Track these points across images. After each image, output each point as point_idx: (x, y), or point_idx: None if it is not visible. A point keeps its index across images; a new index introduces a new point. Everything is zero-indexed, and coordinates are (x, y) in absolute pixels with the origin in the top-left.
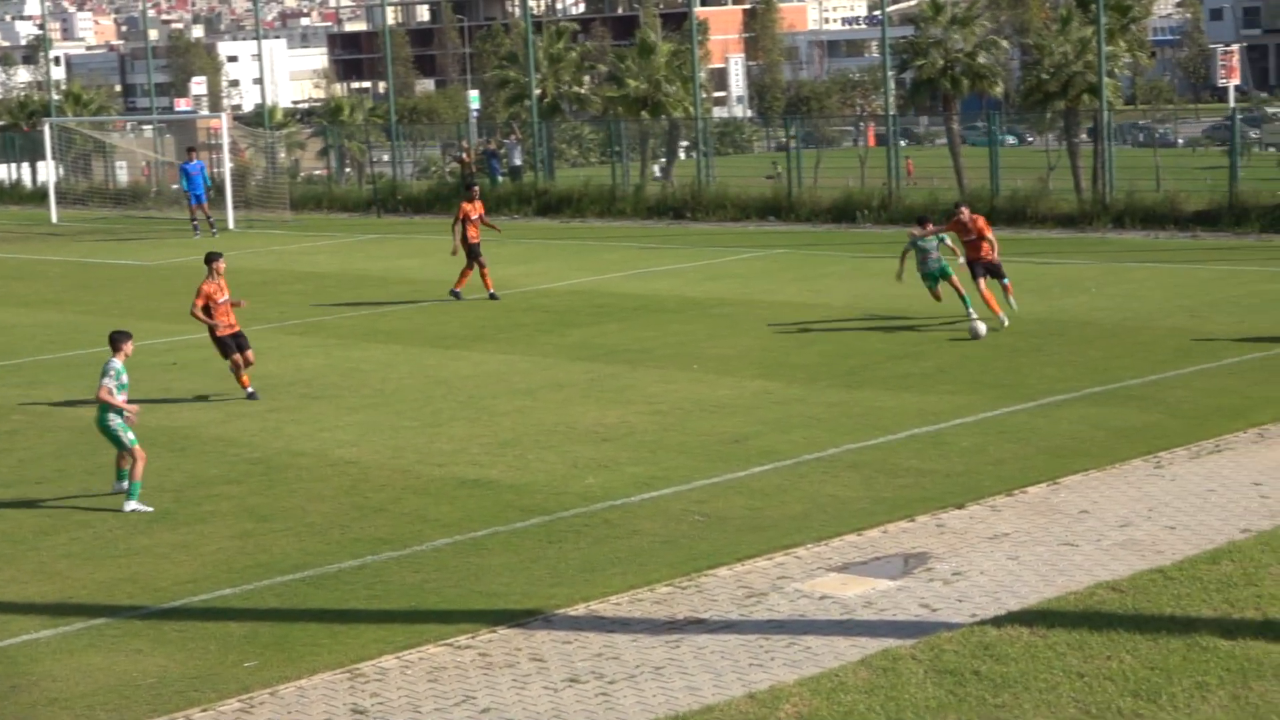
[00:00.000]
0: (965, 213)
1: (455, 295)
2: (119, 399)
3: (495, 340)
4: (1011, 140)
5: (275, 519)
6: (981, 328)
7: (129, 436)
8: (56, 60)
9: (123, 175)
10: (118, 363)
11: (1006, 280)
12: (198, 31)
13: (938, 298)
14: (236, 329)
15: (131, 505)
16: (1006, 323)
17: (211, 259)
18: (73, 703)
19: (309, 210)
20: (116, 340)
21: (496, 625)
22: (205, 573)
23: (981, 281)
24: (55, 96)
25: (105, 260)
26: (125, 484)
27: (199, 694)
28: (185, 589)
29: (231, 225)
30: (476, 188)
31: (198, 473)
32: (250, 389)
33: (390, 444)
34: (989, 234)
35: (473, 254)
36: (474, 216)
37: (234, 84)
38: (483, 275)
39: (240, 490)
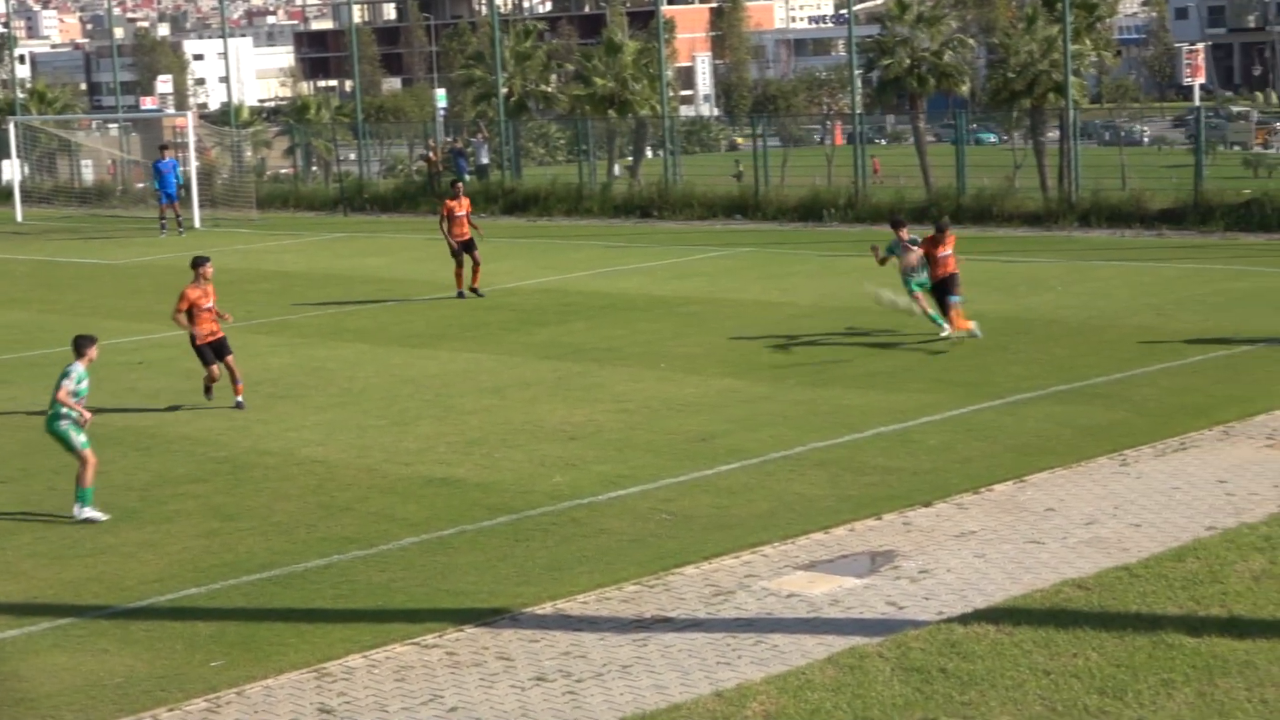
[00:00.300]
0: (947, 234)
1: (473, 293)
2: (75, 404)
3: (462, 339)
4: (992, 139)
5: (242, 518)
6: (974, 327)
7: (80, 439)
8: (21, 58)
9: (88, 174)
10: (80, 367)
11: (957, 300)
12: (164, 30)
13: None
14: (219, 336)
15: (87, 513)
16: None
17: (199, 263)
18: (39, 703)
19: (275, 209)
20: (81, 345)
21: (463, 624)
22: (171, 572)
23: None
24: (20, 95)
25: (71, 259)
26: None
27: (165, 694)
28: (151, 588)
29: (198, 224)
30: (460, 184)
31: (164, 472)
32: (239, 399)
33: (357, 443)
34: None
35: (461, 250)
36: (459, 213)
37: (200, 82)
38: (458, 273)
39: (206, 489)
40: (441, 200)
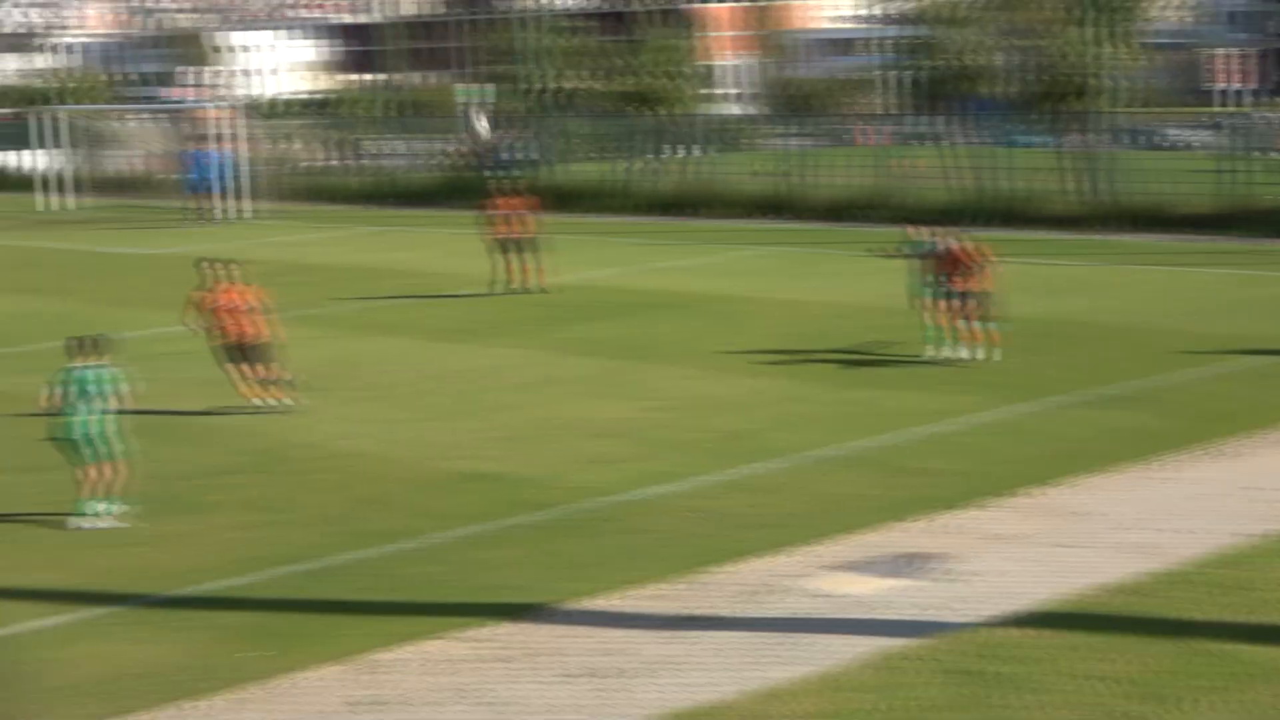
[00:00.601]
0: (952, 245)
1: (539, 291)
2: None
3: (498, 334)
4: (1039, 142)
5: (277, 510)
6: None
7: (119, 447)
8: (65, 48)
9: (130, 164)
10: (113, 369)
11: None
12: (206, 21)
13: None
14: (253, 338)
15: (104, 521)
16: (973, 357)
17: (212, 264)
18: (75, 690)
19: (313, 201)
20: (103, 345)
21: (498, 619)
22: (207, 563)
23: (960, 315)
24: (65, 84)
25: (113, 249)
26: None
27: (199, 684)
28: (188, 579)
29: (237, 216)
30: (508, 182)
31: (201, 463)
32: (265, 399)
33: (392, 436)
34: (980, 260)
35: (510, 247)
36: (508, 211)
37: (245, 74)
38: (508, 269)
39: (243, 481)
40: (486, 196)
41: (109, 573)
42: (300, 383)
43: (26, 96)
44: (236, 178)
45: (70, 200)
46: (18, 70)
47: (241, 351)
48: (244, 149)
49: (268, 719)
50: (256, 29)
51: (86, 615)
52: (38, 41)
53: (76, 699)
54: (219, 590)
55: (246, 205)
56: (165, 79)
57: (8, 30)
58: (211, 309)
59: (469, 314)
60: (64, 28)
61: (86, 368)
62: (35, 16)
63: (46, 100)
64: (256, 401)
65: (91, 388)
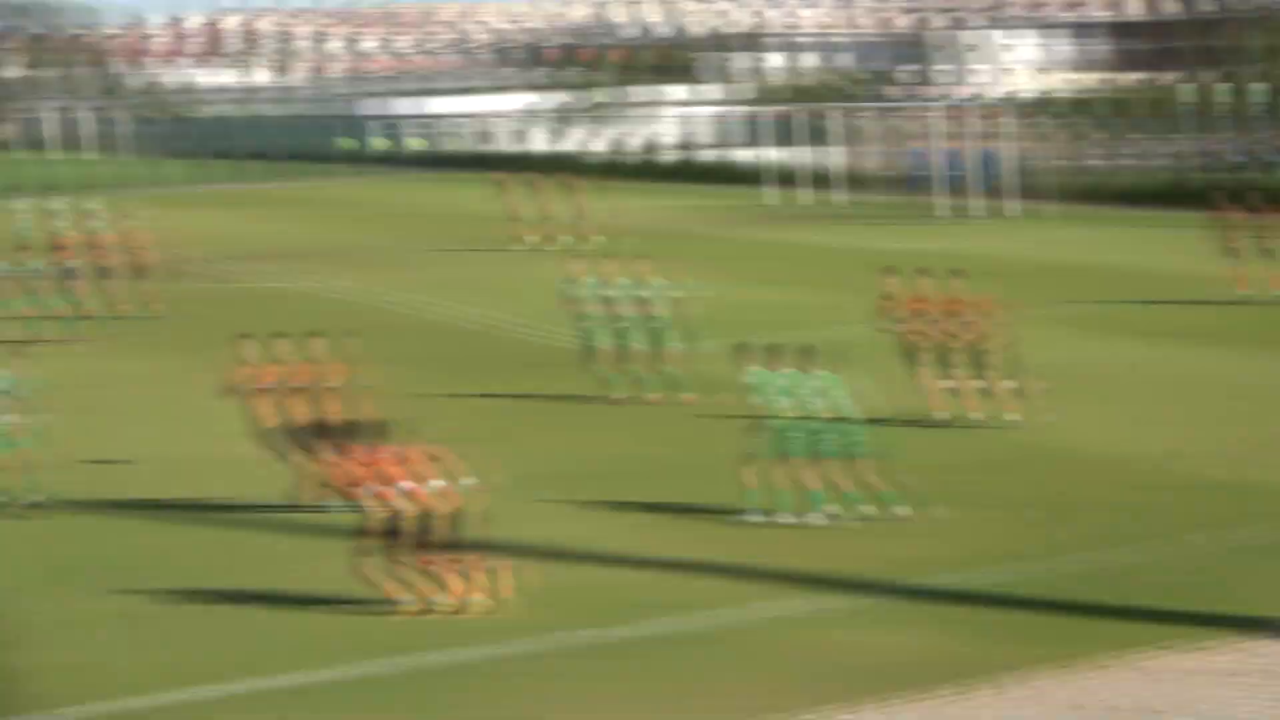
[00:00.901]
0: None
1: None
2: None
3: (1234, 341)
4: None
5: (1007, 508)
6: None
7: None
8: (797, 47)
9: (893, 160)
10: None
11: None
12: (973, 20)
13: None
14: (958, 341)
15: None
16: None
17: (912, 272)
18: (815, 676)
19: (1053, 200)
20: (797, 356)
21: (1231, 633)
22: (937, 557)
23: None
24: (843, 82)
25: (843, 243)
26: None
27: (927, 677)
28: (918, 571)
29: (989, 214)
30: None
31: (954, 460)
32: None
33: (1131, 439)
34: None
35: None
36: (1261, 217)
37: (1010, 72)
38: (1244, 274)
39: (997, 479)
40: (1229, 199)
41: (863, 560)
42: (1030, 389)
43: (778, 94)
44: (995, 176)
45: (803, 194)
46: (748, 69)
47: (943, 356)
48: (1004, 148)
49: (998, 717)
50: (980, 29)
51: (828, 603)
52: (769, 41)
53: (816, 685)
54: (948, 584)
55: (1009, 204)
56: (949, 77)
57: (742, 30)
58: (908, 315)
59: (1209, 319)
60: (796, 28)
61: (786, 374)
62: (768, 15)
63: (796, 98)
64: (972, 414)
65: (792, 395)
